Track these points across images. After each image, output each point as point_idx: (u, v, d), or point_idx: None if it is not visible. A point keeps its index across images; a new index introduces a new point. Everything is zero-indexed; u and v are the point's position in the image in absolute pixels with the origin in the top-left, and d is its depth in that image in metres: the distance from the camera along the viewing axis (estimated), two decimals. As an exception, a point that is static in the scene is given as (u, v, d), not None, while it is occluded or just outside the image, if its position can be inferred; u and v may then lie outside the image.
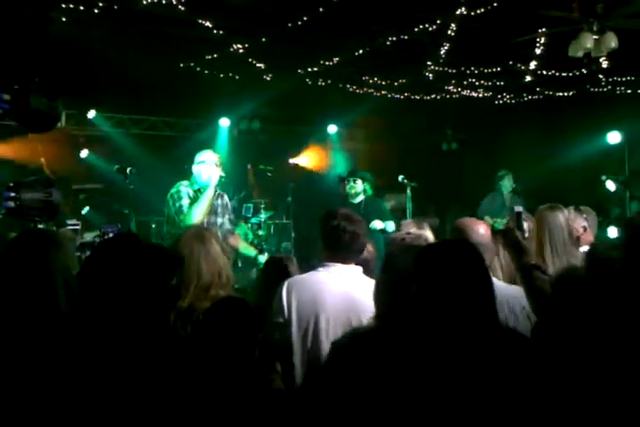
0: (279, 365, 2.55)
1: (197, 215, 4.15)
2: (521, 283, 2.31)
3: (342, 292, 2.55)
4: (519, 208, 2.49)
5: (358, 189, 6.02)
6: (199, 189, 4.35)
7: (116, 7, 5.49)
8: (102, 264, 1.69)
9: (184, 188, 4.32)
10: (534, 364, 1.67)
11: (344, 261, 2.64)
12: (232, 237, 4.61)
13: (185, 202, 4.23)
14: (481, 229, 2.65)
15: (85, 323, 1.70)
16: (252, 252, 4.70)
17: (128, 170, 4.15)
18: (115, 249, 1.73)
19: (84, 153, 8.68)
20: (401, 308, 1.81)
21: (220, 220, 4.49)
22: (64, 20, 5.68)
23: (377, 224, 5.74)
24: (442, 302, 1.64)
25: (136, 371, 1.56)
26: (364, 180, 6.06)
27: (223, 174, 4.39)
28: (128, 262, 1.68)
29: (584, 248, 3.18)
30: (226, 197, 4.65)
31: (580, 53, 5.26)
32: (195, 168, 4.44)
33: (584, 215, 3.37)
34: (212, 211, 4.38)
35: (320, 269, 2.66)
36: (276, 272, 3.09)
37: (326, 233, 2.68)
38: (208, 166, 4.39)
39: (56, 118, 2.33)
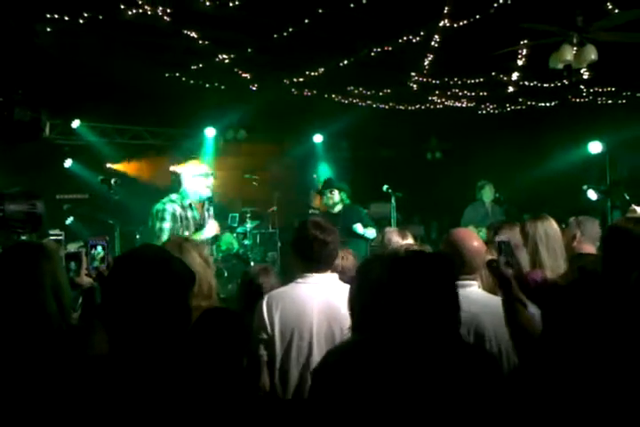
0: (267, 378, 2.54)
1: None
2: (505, 317, 2.28)
3: (322, 302, 2.56)
4: (502, 237, 2.42)
5: (335, 199, 6.11)
6: (190, 204, 4.16)
7: (101, 17, 5.49)
8: (129, 278, 1.66)
9: (170, 205, 4.07)
10: (497, 380, 1.69)
11: (318, 270, 2.64)
12: None
13: (166, 225, 4.01)
14: (474, 243, 2.67)
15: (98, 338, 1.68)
16: None
17: (112, 181, 4.08)
18: (141, 262, 1.69)
19: (68, 163, 8.63)
20: (374, 319, 1.83)
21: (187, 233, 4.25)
22: (49, 30, 5.67)
23: (358, 228, 5.82)
24: (407, 316, 1.65)
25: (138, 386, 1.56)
26: (339, 190, 6.16)
27: (218, 232, 4.25)
28: (156, 276, 1.64)
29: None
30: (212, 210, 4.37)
31: (561, 65, 5.34)
32: (188, 181, 4.18)
33: (578, 224, 3.43)
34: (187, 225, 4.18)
35: (298, 280, 2.66)
36: (252, 285, 3.08)
37: (298, 243, 2.69)
38: (204, 179, 4.21)
39: (40, 129, 2.32)
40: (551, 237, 3.10)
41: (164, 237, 3.97)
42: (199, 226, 4.22)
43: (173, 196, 4.17)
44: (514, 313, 2.21)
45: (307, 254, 2.65)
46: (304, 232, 2.65)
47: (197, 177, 4.21)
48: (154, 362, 1.56)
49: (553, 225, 3.18)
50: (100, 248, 2.32)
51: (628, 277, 1.90)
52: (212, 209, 4.36)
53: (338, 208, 6.14)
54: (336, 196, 6.11)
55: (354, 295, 1.98)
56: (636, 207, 3.49)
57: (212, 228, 4.13)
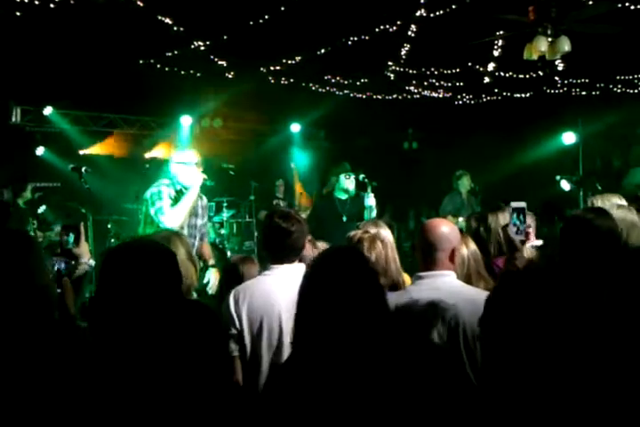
0: (239, 373, 2.53)
1: (178, 218, 3.96)
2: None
3: (289, 295, 2.51)
4: (520, 204, 2.51)
5: (354, 185, 5.82)
6: (181, 190, 4.12)
7: (72, 2, 5.38)
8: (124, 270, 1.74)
9: (165, 188, 4.07)
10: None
11: (284, 260, 2.61)
12: (204, 245, 4.41)
13: (166, 203, 4.00)
14: (447, 230, 2.68)
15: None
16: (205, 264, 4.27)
17: (83, 169, 3.98)
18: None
19: (40, 150, 8.47)
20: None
21: (199, 221, 4.28)
22: (18, 14, 5.54)
23: (370, 201, 5.52)
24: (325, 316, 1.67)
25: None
26: (356, 178, 5.86)
27: (206, 177, 4.16)
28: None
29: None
30: (205, 199, 4.42)
31: (535, 57, 5.38)
32: (174, 168, 4.17)
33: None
34: (194, 213, 4.19)
35: (265, 272, 2.64)
36: (235, 275, 3.07)
37: (264, 233, 2.68)
38: (189, 168, 4.14)
39: (7, 116, 2.27)
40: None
41: (165, 214, 3.93)
42: (194, 213, 4.18)
43: (165, 181, 4.14)
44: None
45: (272, 245, 2.64)
46: (268, 221, 2.64)
47: (179, 164, 4.15)
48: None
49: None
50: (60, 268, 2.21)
51: (585, 265, 1.94)
52: (204, 199, 4.34)
53: (348, 195, 5.82)
54: (354, 182, 5.83)
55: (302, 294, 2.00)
56: (597, 199, 3.57)
57: (177, 217, 3.99)
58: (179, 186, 4.14)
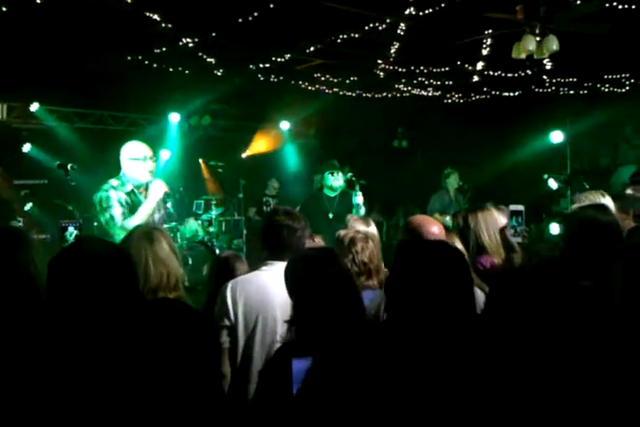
0: (228, 366, 2.53)
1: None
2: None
3: (286, 292, 2.54)
4: (518, 207, 2.54)
5: (341, 182, 5.92)
6: (132, 191, 3.87)
7: (59, -2, 5.34)
8: (72, 277, 1.65)
9: (113, 192, 3.79)
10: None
11: (284, 258, 2.56)
12: None
13: (116, 211, 3.74)
14: (435, 229, 2.70)
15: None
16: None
17: (69, 166, 3.91)
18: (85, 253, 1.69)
19: (27, 147, 8.39)
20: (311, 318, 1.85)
21: (157, 215, 4.04)
22: (5, 9, 5.48)
23: (359, 199, 5.66)
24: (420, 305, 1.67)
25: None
26: (344, 174, 5.98)
27: (168, 191, 3.92)
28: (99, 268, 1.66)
29: None
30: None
31: (523, 55, 5.41)
32: (125, 165, 3.87)
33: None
34: (151, 211, 3.91)
35: (263, 268, 2.64)
36: (225, 272, 3.05)
37: (265, 230, 2.68)
38: (142, 164, 3.88)
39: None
40: (490, 224, 3.19)
41: (118, 224, 3.78)
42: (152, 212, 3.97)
43: (113, 182, 3.88)
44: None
45: (274, 241, 2.64)
46: (272, 219, 2.64)
47: (134, 161, 3.91)
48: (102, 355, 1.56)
49: (493, 214, 3.30)
50: (72, 229, 2.43)
51: (595, 264, 1.94)
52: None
53: (335, 193, 5.93)
54: (341, 179, 5.92)
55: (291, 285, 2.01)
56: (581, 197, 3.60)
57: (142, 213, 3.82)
58: (129, 186, 3.87)
